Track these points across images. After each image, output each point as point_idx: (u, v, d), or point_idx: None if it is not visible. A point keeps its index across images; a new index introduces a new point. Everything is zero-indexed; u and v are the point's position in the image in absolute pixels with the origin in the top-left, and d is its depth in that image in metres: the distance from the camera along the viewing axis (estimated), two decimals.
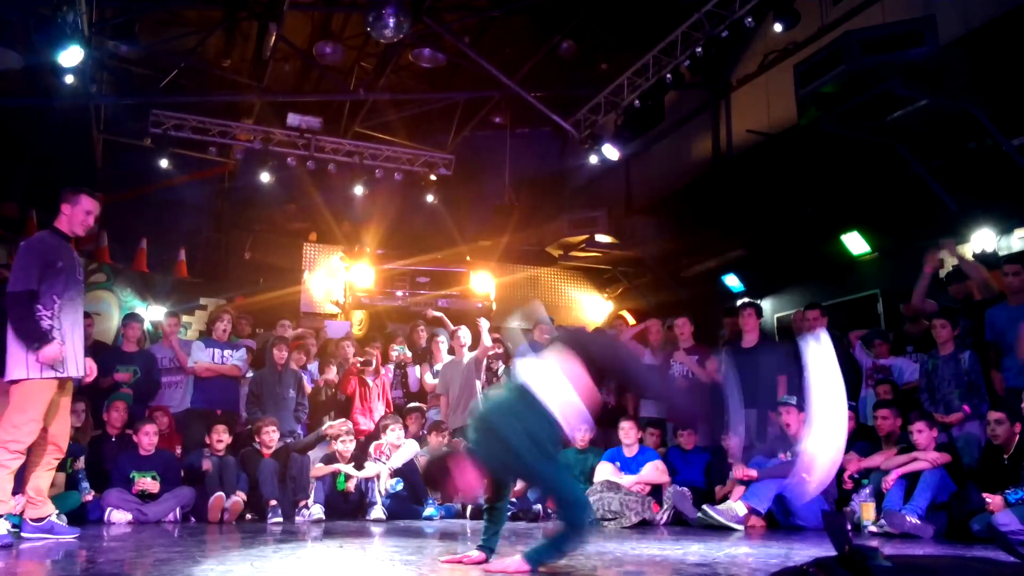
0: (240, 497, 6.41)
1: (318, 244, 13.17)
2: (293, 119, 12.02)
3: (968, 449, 5.87)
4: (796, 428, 6.06)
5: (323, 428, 7.18)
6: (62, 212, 4.75)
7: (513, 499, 6.70)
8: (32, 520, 4.70)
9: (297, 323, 10.43)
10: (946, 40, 7.26)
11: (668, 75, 9.70)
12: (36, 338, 4.44)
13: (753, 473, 5.83)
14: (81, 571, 3.47)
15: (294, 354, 7.76)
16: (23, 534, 4.69)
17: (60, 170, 11.28)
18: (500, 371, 8.25)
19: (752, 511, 5.76)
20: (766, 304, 10.58)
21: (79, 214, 4.74)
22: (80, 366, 4.71)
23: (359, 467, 6.78)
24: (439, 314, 8.34)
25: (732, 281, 10.78)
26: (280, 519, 6.35)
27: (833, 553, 2.74)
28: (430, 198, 13.26)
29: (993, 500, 4.96)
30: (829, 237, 9.20)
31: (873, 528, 5.41)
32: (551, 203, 13.66)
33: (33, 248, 4.65)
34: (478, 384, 7.86)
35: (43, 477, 4.72)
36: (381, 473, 6.80)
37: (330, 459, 6.85)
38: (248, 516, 6.62)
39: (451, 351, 8.18)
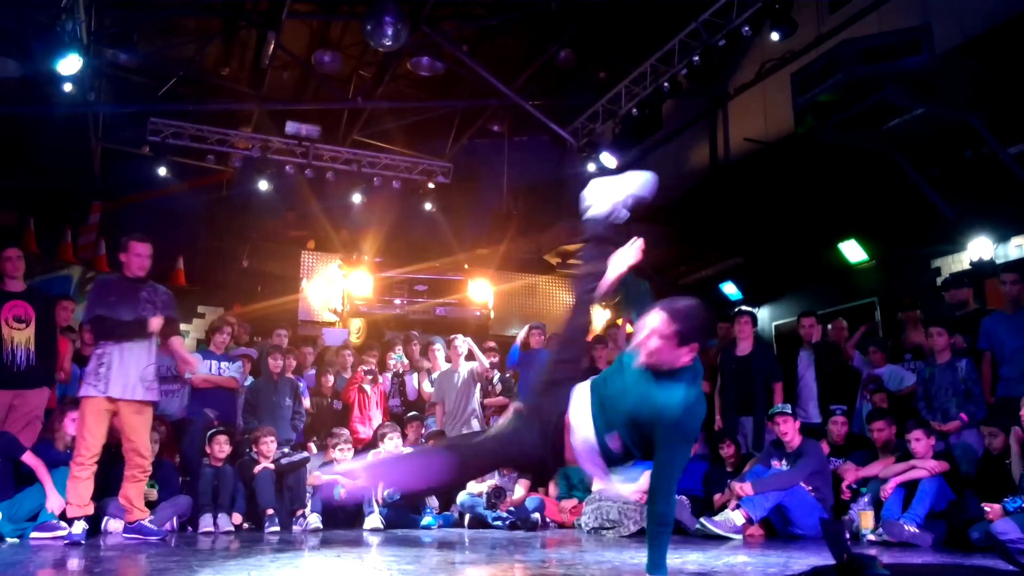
0: (237, 519, 6.39)
1: (316, 252, 13.16)
2: (291, 127, 12.03)
3: (966, 457, 5.86)
4: (792, 436, 6.06)
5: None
6: (122, 261, 5.51)
7: (511, 507, 6.70)
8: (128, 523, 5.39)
9: (295, 331, 10.41)
10: (943, 49, 7.28)
11: (666, 84, 9.73)
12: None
13: (750, 491, 5.81)
14: None
15: (285, 360, 7.75)
16: (124, 535, 5.40)
17: (58, 178, 11.29)
18: (495, 379, 8.24)
19: (748, 519, 5.75)
20: (764, 312, 10.59)
21: (132, 259, 5.44)
22: (130, 391, 5.26)
23: None
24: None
25: (730, 289, 10.79)
26: (277, 528, 6.33)
27: (831, 562, 2.74)
28: (428, 206, 13.27)
29: (992, 508, 4.95)
30: (826, 245, 9.21)
31: (872, 537, 5.40)
32: (549, 211, 13.66)
33: (97, 285, 5.68)
34: (476, 395, 7.88)
35: (130, 488, 5.38)
36: None
37: (328, 468, 6.84)
38: (245, 525, 6.60)
39: (448, 359, 8.18)
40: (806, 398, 7.18)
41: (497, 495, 6.69)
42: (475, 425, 7.79)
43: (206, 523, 6.24)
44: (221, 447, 6.64)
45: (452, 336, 8.21)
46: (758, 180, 9.91)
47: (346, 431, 7.19)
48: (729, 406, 7.14)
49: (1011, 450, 5.29)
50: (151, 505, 6.18)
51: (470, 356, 8.06)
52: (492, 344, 8.69)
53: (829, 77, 7.12)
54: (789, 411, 6.20)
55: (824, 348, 7.37)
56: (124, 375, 5.25)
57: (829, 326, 7.74)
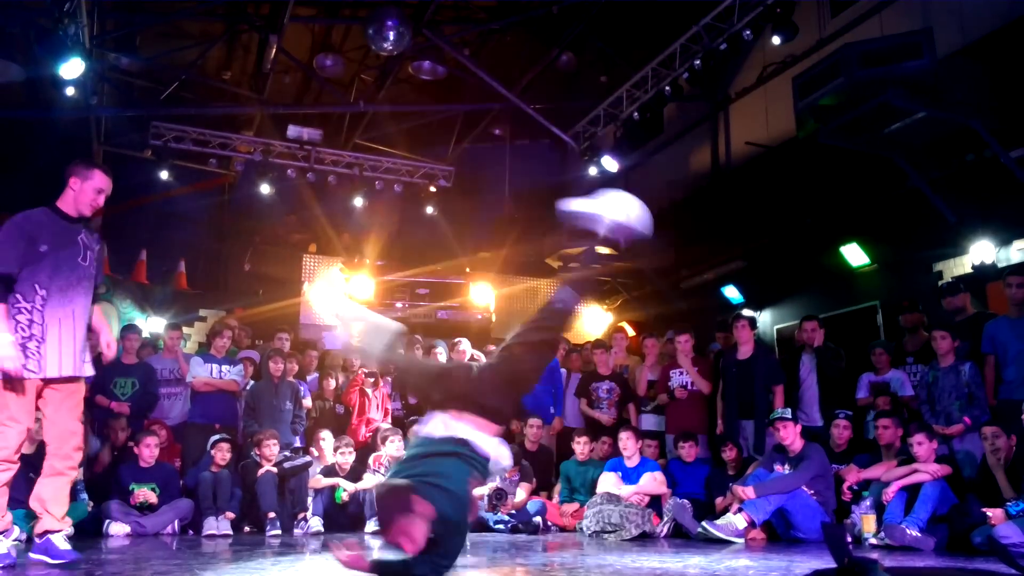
0: (227, 519, 6.38)
1: (318, 256, 13.18)
2: (293, 131, 12.06)
3: (968, 461, 5.85)
4: (792, 441, 6.05)
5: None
6: (69, 187, 4.14)
7: (513, 510, 6.69)
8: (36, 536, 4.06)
9: (296, 335, 10.41)
10: (944, 52, 7.29)
11: (667, 87, 9.74)
12: None
13: (751, 494, 5.80)
14: None
15: (286, 363, 7.75)
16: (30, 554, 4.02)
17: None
18: None
19: (750, 523, 5.74)
20: (765, 316, 10.58)
21: (88, 191, 4.14)
22: (69, 366, 3.95)
23: (358, 479, 6.77)
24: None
25: (731, 292, 10.78)
26: (279, 531, 6.33)
27: (833, 565, 2.74)
28: (430, 210, 13.29)
29: (994, 512, 4.94)
30: (828, 249, 9.20)
31: (874, 540, 5.39)
32: (551, 214, 13.66)
33: (14, 223, 3.98)
34: None
35: (46, 486, 3.99)
36: None
37: (329, 471, 6.84)
38: (247, 529, 6.60)
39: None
40: (808, 402, 7.17)
41: (498, 498, 6.68)
42: None
43: (210, 525, 6.27)
44: (223, 455, 6.65)
45: (456, 339, 8.21)
46: (760, 183, 9.91)
47: (347, 436, 7.19)
48: (730, 410, 7.13)
49: (991, 465, 5.29)
50: (152, 508, 6.19)
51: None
52: (493, 348, 8.68)
53: (831, 81, 7.12)
54: (789, 416, 6.19)
55: (826, 352, 7.36)
56: (64, 347, 3.96)
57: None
